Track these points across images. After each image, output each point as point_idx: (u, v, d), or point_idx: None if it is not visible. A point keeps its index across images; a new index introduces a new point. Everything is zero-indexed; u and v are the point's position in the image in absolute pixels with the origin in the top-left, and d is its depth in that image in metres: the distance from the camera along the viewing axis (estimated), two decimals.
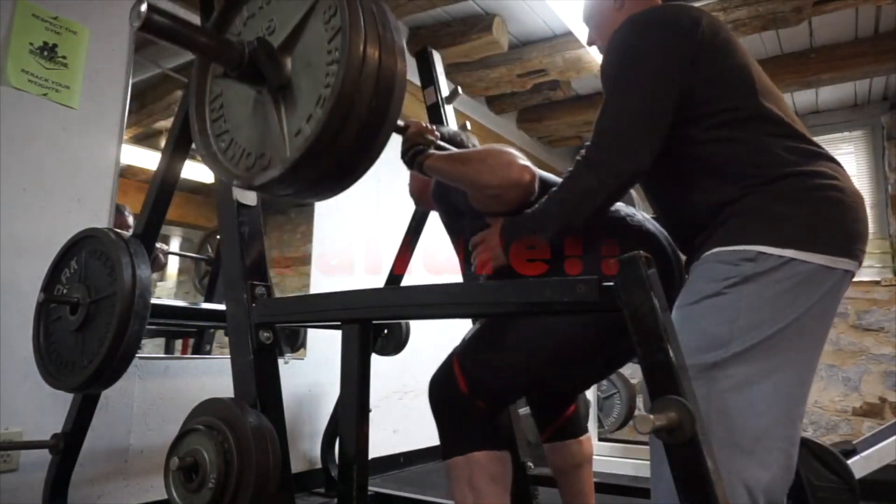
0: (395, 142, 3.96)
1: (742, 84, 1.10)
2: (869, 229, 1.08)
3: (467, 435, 1.25)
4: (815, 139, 1.11)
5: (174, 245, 2.88)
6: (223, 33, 0.97)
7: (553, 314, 1.17)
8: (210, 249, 2.82)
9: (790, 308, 0.99)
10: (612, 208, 1.23)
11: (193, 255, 2.87)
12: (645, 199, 1.31)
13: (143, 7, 0.75)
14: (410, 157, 1.37)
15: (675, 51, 1.09)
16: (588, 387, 2.27)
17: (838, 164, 1.10)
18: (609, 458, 3.30)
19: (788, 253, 0.99)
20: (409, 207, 2.36)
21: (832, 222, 1.03)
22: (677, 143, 1.10)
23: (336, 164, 0.84)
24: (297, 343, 2.75)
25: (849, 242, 1.03)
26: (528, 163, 1.26)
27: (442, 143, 1.41)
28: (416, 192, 1.70)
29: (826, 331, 1.06)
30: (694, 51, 1.09)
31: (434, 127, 1.44)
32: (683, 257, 1.27)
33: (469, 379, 1.25)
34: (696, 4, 3.14)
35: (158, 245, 2.30)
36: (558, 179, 1.25)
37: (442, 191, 1.47)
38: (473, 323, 1.45)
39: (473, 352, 1.29)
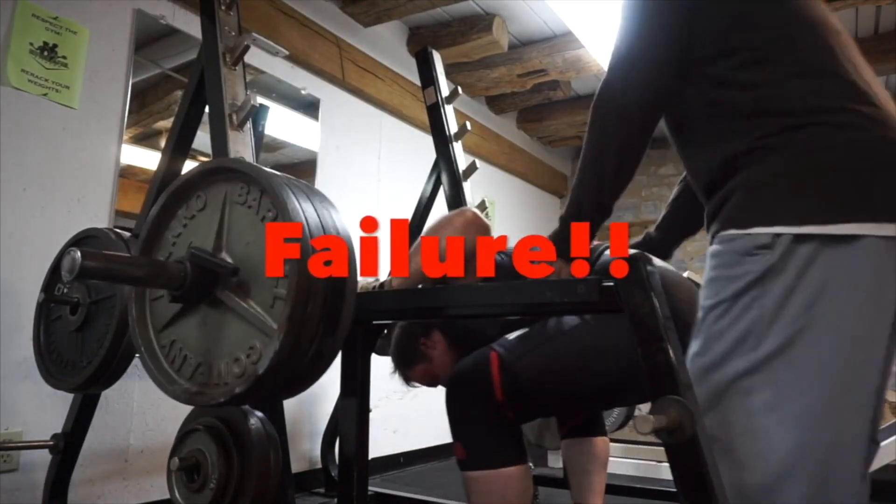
0: (396, 137, 3.90)
1: (768, 16, 0.93)
2: None
3: (502, 447, 1.15)
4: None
5: None
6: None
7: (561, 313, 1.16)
8: None
9: (820, 295, 0.80)
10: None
11: None
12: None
13: (77, 255, 0.75)
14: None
15: None
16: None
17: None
18: (609, 457, 3.30)
19: (810, 229, 0.81)
20: (409, 208, 2.36)
21: (858, 178, 0.83)
22: (695, 86, 0.96)
23: (325, 307, 0.84)
24: None
25: (886, 200, 0.82)
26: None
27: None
28: (429, 376, 1.52)
29: (882, 308, 0.82)
30: None
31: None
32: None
33: (509, 384, 1.15)
34: None
35: None
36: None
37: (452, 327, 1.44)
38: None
39: (520, 351, 1.19)
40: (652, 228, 1.38)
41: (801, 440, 0.79)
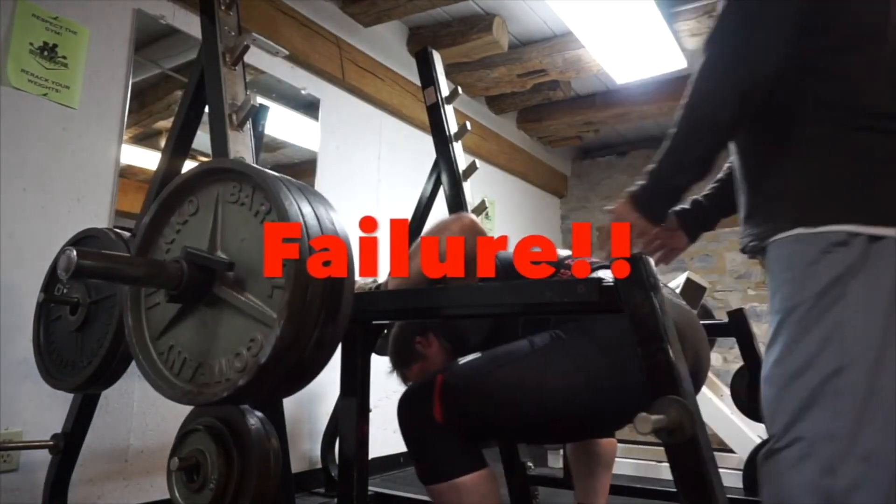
0: (396, 137, 3.89)
1: (874, 4, 0.88)
2: None
3: (447, 461, 1.16)
4: None
5: None
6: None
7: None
8: None
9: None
10: None
11: None
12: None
13: (73, 254, 0.75)
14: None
15: None
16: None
17: None
18: (615, 458, 3.30)
19: (887, 231, 0.82)
20: (409, 208, 2.36)
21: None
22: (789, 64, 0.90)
23: (324, 295, 0.84)
24: None
25: None
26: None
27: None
28: (424, 375, 1.51)
29: None
30: None
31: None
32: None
33: (448, 406, 1.17)
34: (689, 7, 3.14)
35: None
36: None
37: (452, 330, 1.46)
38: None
39: (465, 377, 1.21)
40: (700, 196, 1.33)
41: (884, 444, 0.79)
